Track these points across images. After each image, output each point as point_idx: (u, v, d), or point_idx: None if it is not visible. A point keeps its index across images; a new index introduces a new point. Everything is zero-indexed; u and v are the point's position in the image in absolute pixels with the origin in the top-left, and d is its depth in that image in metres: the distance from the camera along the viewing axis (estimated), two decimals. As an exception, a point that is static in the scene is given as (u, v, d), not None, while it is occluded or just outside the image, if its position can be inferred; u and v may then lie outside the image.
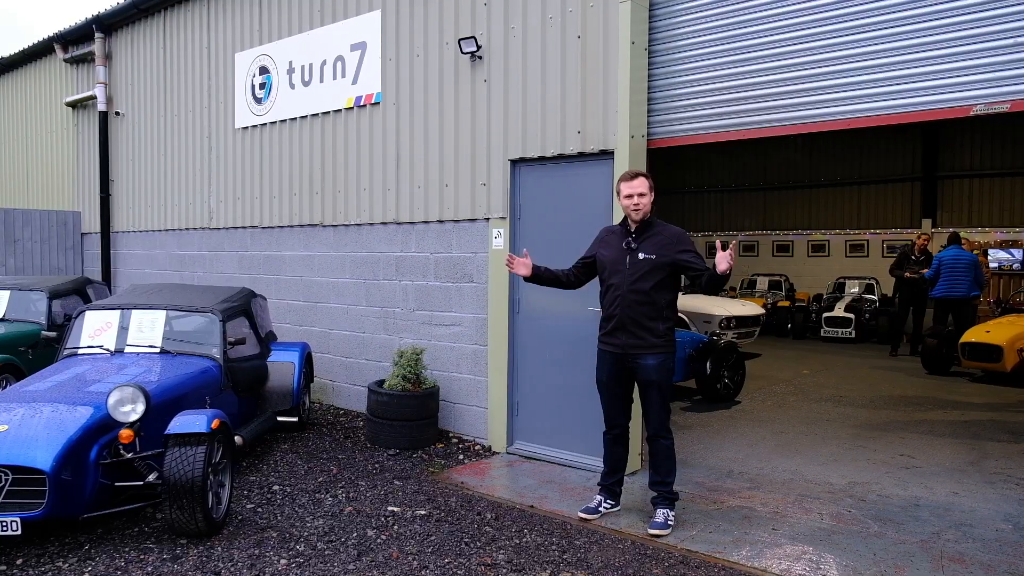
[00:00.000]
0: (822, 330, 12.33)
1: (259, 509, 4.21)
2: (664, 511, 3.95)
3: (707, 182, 17.09)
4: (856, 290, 13.14)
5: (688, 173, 17.06)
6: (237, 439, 4.49)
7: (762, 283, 14.60)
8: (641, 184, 3.87)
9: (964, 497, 4.45)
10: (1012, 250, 12.72)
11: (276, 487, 4.60)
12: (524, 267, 4.09)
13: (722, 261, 3.60)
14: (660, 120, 4.91)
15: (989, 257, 12.50)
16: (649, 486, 4.05)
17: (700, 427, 6.25)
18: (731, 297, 12.62)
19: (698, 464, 5.14)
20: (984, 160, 13.52)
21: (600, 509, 4.12)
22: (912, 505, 4.31)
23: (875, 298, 12.74)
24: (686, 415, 6.69)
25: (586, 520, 4.06)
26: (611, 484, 4.17)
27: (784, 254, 15.86)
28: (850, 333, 12.04)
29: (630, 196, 3.86)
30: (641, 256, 3.85)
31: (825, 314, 12.39)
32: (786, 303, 13.36)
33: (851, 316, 12.11)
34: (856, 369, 9.46)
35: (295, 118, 7.08)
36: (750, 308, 10.02)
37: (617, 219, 4.70)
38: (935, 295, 9.39)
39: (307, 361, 5.98)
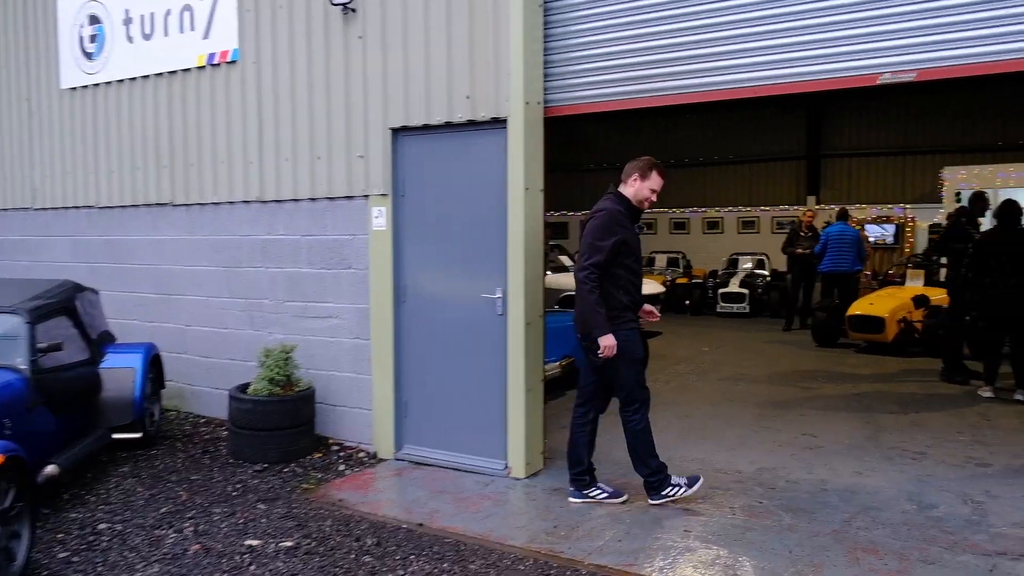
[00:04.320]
0: (718, 306, 12.53)
1: (75, 558, 3.38)
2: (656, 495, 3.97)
3: (606, 160, 16.97)
4: (749, 266, 13.46)
5: (587, 151, 16.87)
6: (50, 468, 3.67)
7: (660, 260, 14.70)
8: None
9: (867, 477, 4.43)
10: (885, 225, 13.49)
11: (103, 525, 3.76)
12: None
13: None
14: (557, 86, 4.47)
15: (868, 232, 13.18)
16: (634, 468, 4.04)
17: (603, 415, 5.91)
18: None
19: (602, 459, 4.77)
20: (862, 140, 14.16)
21: (623, 494, 4.08)
22: (820, 490, 4.21)
23: (766, 273, 13.11)
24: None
25: (624, 502, 4.01)
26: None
27: (681, 231, 16.06)
28: (744, 308, 12.31)
29: (654, 191, 3.93)
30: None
31: (721, 290, 12.60)
32: (684, 280, 13.50)
33: (745, 291, 12.38)
34: (752, 343, 9.62)
35: (135, 78, 6.01)
36: (651, 287, 9.87)
37: (513, 195, 4.29)
38: (822, 269, 9.76)
39: (154, 364, 5.11)
